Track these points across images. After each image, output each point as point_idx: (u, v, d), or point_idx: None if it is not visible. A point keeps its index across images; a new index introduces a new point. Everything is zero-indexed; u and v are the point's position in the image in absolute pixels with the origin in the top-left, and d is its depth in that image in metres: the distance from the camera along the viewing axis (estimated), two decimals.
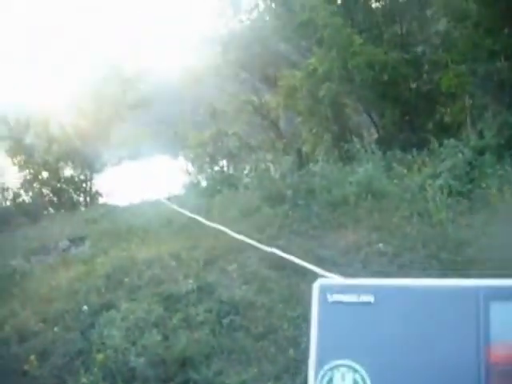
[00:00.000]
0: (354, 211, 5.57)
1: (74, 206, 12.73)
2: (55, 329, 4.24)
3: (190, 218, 6.91)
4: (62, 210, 12.15)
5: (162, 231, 6.70)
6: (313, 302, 0.61)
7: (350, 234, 5.00)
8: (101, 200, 13.13)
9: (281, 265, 4.35)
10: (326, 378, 0.56)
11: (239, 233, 5.28)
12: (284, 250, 4.46)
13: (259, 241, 4.90)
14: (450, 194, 5.38)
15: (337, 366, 0.56)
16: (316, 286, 0.62)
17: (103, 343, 3.73)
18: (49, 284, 5.43)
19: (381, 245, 4.48)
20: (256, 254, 4.72)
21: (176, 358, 3.41)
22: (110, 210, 10.10)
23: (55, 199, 12.93)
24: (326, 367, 0.57)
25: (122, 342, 3.64)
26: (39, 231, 8.95)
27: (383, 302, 0.58)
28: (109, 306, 4.37)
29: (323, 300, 0.60)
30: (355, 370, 0.55)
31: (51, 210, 12.71)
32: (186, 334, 3.64)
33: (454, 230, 4.56)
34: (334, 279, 0.71)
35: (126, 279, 4.91)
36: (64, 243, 7.74)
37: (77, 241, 7.66)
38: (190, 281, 4.44)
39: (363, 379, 0.54)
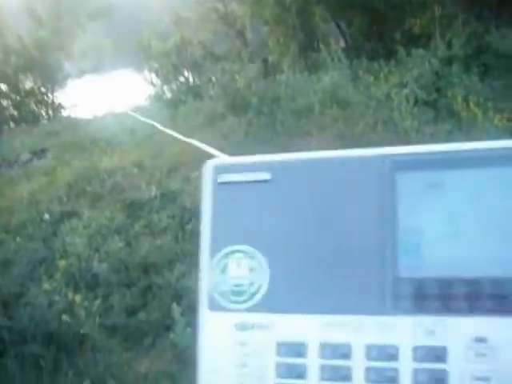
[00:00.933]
0: (319, 119, 5.51)
1: (36, 119, 12.37)
2: (17, 239, 4.21)
3: (153, 128, 6.78)
4: (23, 124, 11.82)
5: (126, 142, 6.58)
6: (203, 184, 0.53)
7: (315, 141, 4.96)
8: (64, 113, 12.81)
9: None
10: (220, 266, 0.50)
11: (202, 141, 5.21)
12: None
13: (223, 148, 4.84)
14: (415, 103, 5.33)
15: (232, 252, 0.50)
16: (207, 167, 0.54)
17: (66, 251, 3.71)
18: (10, 196, 5.35)
19: None
20: None
21: (139, 264, 3.41)
22: (73, 122, 9.85)
23: (15, 113, 12.56)
24: (220, 254, 0.51)
25: (84, 249, 3.62)
26: (0, 145, 8.72)
27: (281, 179, 0.51)
28: (71, 215, 4.33)
29: (215, 181, 0.53)
30: (252, 255, 0.50)
31: (12, 124, 12.37)
32: (149, 240, 3.63)
33: (418, 139, 4.55)
34: (228, 158, 0.60)
35: (89, 188, 4.84)
36: (26, 156, 7.58)
37: (39, 153, 7.50)
38: (153, 188, 4.40)
39: (260, 264, 0.49)
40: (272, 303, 0.48)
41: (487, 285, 0.44)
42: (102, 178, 4.98)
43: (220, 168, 0.53)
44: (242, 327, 0.49)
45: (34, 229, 4.33)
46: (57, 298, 3.21)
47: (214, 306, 0.50)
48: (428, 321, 0.44)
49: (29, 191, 5.31)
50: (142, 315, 3.03)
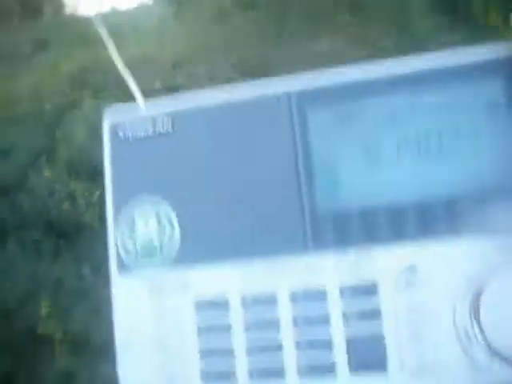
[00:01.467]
0: (331, 23, 5.30)
1: (40, 15, 12.00)
2: (18, 129, 4.17)
3: (158, 21, 6.56)
4: (27, 20, 11.47)
5: (129, 37, 6.39)
6: (104, 139, 0.47)
7: (325, 45, 4.79)
8: (67, 10, 12.40)
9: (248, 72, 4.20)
10: (127, 220, 0.47)
11: (209, 36, 5.04)
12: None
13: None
14: (432, 9, 5.12)
15: (138, 205, 0.47)
16: (106, 121, 0.48)
17: (67, 141, 3.70)
18: (12, 90, 5.26)
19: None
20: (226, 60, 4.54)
21: None
22: (76, 19, 9.55)
23: (19, 8, 12.14)
24: (125, 211, 0.47)
25: (86, 140, 3.60)
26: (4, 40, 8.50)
27: (184, 128, 0.47)
28: (73, 106, 4.27)
29: (115, 135, 0.47)
30: (160, 209, 0.46)
31: (16, 20, 11.99)
32: None
33: (435, 46, 4.38)
34: (127, 107, 0.54)
35: (92, 80, 4.75)
36: (28, 49, 7.41)
37: (42, 47, 7.32)
38: (158, 82, 4.32)
39: (168, 216, 0.46)
40: (186, 259, 0.45)
41: (411, 210, 0.41)
42: (105, 70, 4.87)
43: (119, 121, 0.48)
44: (156, 289, 0.45)
45: (36, 120, 4.29)
46: (58, 186, 3.23)
47: (123, 269, 0.46)
48: (353, 254, 0.42)
49: (32, 83, 5.22)
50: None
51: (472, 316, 0.39)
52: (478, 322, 0.39)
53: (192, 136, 0.46)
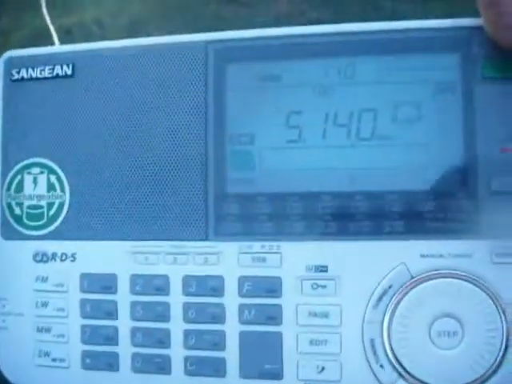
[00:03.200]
0: None
1: None
2: None
3: None
4: None
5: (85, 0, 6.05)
6: None
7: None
8: None
9: None
10: (14, 184, 0.40)
11: None
12: None
13: None
14: None
15: (27, 167, 0.40)
16: (1, 62, 0.40)
17: None
18: None
19: None
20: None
21: None
22: None
23: None
24: (13, 170, 0.41)
25: None
26: None
27: (85, 74, 0.39)
28: None
29: (9, 78, 0.39)
30: (51, 170, 0.40)
31: None
32: None
33: None
34: (25, 50, 0.48)
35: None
36: None
37: None
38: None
39: (60, 181, 0.40)
40: (75, 228, 0.39)
41: (330, 202, 0.35)
42: (59, 36, 4.61)
43: (15, 61, 0.40)
44: (41, 258, 0.40)
45: None
46: None
47: (8, 233, 0.40)
48: (258, 246, 0.36)
49: None
50: None
51: (382, 328, 0.34)
52: (389, 335, 0.34)
53: (93, 83, 0.39)
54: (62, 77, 0.39)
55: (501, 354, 0.33)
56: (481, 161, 0.34)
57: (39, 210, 0.40)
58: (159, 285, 0.37)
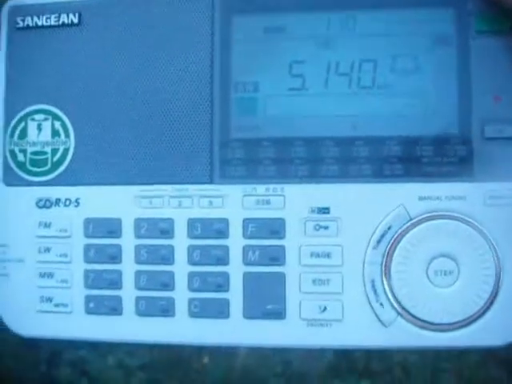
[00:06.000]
0: None
1: None
2: None
3: None
4: None
5: None
6: (1, 31, 0.40)
7: None
8: None
9: None
10: (18, 131, 0.40)
11: None
12: None
13: None
14: None
15: (31, 114, 0.40)
16: (5, 10, 0.40)
17: None
18: None
19: None
20: None
21: None
22: None
23: None
24: (17, 116, 0.40)
25: None
26: None
27: (91, 22, 0.39)
28: None
29: (13, 27, 0.39)
30: (55, 117, 0.40)
31: None
32: None
33: None
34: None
35: None
36: None
37: None
38: None
39: (65, 128, 0.39)
40: (79, 174, 0.39)
41: (332, 147, 0.36)
42: None
43: (18, 9, 0.40)
44: (44, 203, 0.39)
45: None
46: None
47: (11, 180, 0.40)
48: (262, 189, 0.37)
49: None
50: None
51: (382, 268, 0.35)
52: (388, 275, 0.35)
53: (99, 31, 0.39)
54: (68, 25, 0.39)
55: (494, 291, 0.34)
56: (475, 109, 0.35)
57: (43, 156, 0.39)
58: (164, 228, 0.37)
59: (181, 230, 0.37)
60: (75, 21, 0.39)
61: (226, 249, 0.37)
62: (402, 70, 0.37)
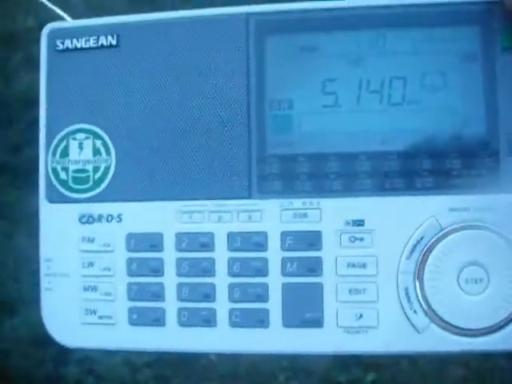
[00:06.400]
0: None
1: None
2: None
3: None
4: None
5: None
6: (41, 53, 0.41)
7: None
8: None
9: None
10: (60, 150, 0.41)
11: None
12: None
13: None
14: None
15: (72, 133, 0.41)
16: (44, 33, 0.41)
17: None
18: None
19: None
20: None
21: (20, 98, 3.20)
22: None
23: None
24: (59, 136, 0.41)
25: None
26: None
27: (129, 44, 0.40)
28: None
29: (53, 49, 0.41)
30: (96, 136, 0.41)
31: None
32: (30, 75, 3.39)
33: None
34: (69, 21, 0.47)
35: None
36: None
37: None
38: (31, 18, 4.04)
39: (106, 146, 0.41)
40: (120, 190, 0.40)
41: (365, 162, 0.38)
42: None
43: (59, 32, 0.41)
44: (87, 219, 0.41)
45: None
46: None
47: (54, 197, 0.41)
48: (299, 203, 0.38)
49: None
50: (28, 151, 2.86)
51: (415, 276, 0.36)
52: (421, 283, 0.36)
53: (137, 53, 0.40)
54: (107, 47, 0.40)
55: None
56: (501, 123, 0.37)
57: (85, 174, 0.41)
58: (204, 241, 0.39)
59: (221, 243, 0.39)
60: (113, 42, 0.41)
61: (265, 261, 0.38)
62: (430, 87, 0.38)
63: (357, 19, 0.39)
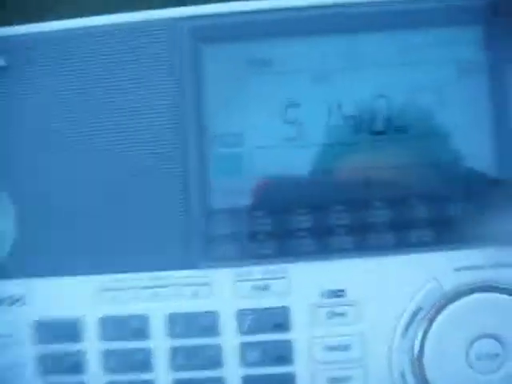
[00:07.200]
0: None
1: None
2: None
3: None
4: None
5: None
6: None
7: None
8: None
9: None
10: None
11: None
12: None
13: None
14: None
15: None
16: None
17: None
18: None
19: None
20: None
21: None
22: None
23: None
24: None
25: None
26: None
27: (24, 65, 0.30)
28: None
29: None
30: None
31: None
32: None
33: None
34: None
35: None
36: None
37: None
38: None
39: (6, 211, 0.30)
40: (27, 265, 0.30)
41: (343, 213, 0.29)
42: None
43: None
44: None
45: None
46: None
47: None
48: (259, 271, 0.30)
49: None
50: None
51: (414, 357, 0.29)
52: (421, 365, 0.29)
53: (35, 76, 0.30)
54: None
55: None
56: None
57: None
58: (137, 327, 0.30)
59: (159, 328, 0.30)
60: (2, 64, 0.31)
61: (217, 349, 0.30)
62: (421, 108, 0.30)
63: (322, 22, 0.30)
